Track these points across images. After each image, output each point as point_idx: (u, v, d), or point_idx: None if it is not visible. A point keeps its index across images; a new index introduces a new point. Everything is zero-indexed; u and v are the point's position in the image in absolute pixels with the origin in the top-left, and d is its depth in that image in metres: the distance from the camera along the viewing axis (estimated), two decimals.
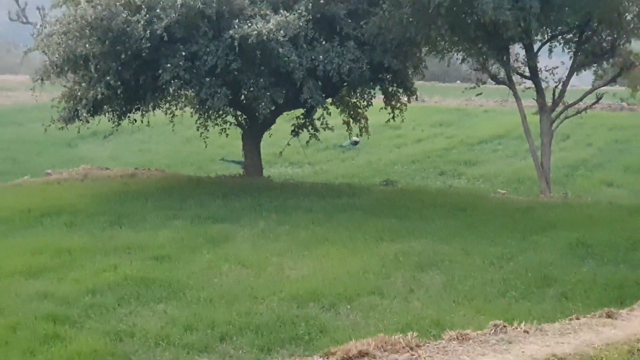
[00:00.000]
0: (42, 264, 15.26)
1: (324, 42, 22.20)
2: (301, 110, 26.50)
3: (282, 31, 20.69)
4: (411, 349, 8.45)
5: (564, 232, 17.42)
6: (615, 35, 23.18)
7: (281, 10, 21.68)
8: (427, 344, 8.79)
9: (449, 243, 16.83)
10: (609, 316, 9.50)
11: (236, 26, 20.95)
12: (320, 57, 21.88)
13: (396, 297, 13.54)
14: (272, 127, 26.93)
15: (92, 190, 23.21)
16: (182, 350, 11.23)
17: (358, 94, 26.16)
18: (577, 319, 9.33)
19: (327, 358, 8.47)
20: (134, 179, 25.77)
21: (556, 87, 23.61)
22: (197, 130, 26.84)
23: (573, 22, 22.44)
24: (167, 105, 25.68)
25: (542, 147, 23.28)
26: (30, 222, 19.19)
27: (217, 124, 26.54)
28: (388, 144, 37.42)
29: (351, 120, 27.59)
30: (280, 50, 21.00)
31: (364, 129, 27.31)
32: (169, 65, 21.10)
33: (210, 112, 24.97)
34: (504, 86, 23.98)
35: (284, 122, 27.90)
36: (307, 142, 28.09)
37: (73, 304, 13.09)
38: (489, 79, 24.51)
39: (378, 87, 25.30)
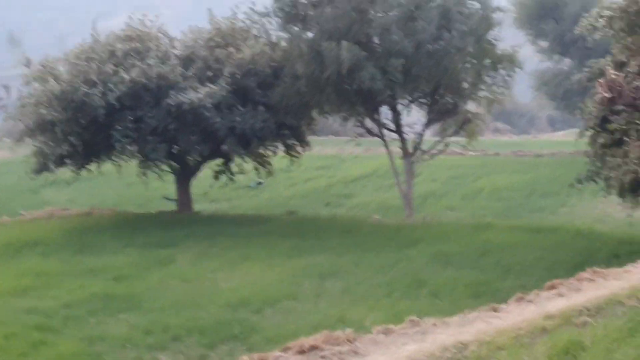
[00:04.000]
0: (26, 285, 14.63)
1: (240, 108, 21.93)
2: (222, 160, 25.99)
3: (208, 99, 20.37)
4: (350, 341, 8.25)
5: (428, 246, 17.56)
6: (456, 99, 23.48)
7: (207, 83, 21.36)
8: (361, 337, 8.61)
9: (343, 257, 16.79)
10: (494, 310, 9.45)
11: (172, 96, 20.56)
12: (238, 119, 21.62)
13: (307, 300, 13.37)
14: (200, 172, 26.36)
15: (59, 227, 22.31)
16: (144, 350, 10.95)
17: (266, 147, 25.76)
18: (470, 313, 9.24)
19: (286, 352, 8.17)
20: (90, 217, 24.87)
21: (414, 138, 23.79)
22: (138, 177, 25.99)
23: (426, 89, 22.64)
24: (116, 158, 24.81)
25: (407, 182, 23.42)
26: (11, 253, 18.32)
27: (154, 172, 25.84)
28: (285, 183, 37.05)
29: (259, 166, 27.08)
30: (207, 114, 20.72)
31: (268, 172, 26.86)
32: (119, 127, 20.54)
33: (150, 162, 24.33)
34: (376, 137, 24.03)
35: (207, 170, 27.33)
36: (226, 184, 27.62)
37: (54, 316, 12.59)
38: (366, 133, 24.49)
39: (280, 141, 24.91)
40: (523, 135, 60.06)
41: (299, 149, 26.20)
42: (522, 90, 46.44)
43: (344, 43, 19.62)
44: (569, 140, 51.81)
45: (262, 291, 13.96)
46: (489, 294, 12.99)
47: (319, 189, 35.53)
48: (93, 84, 20.43)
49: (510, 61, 23.18)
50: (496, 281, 14.29)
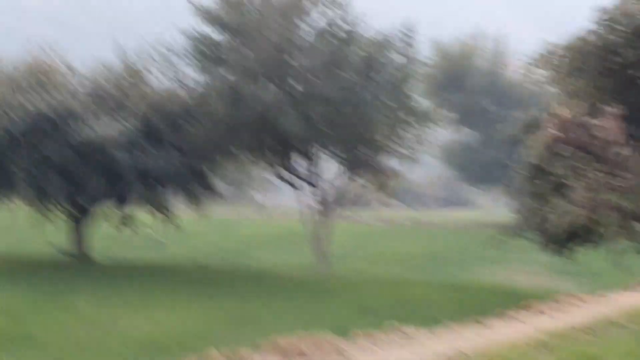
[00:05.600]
0: None
1: (151, 149, 21.13)
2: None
3: (120, 136, 19.55)
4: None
5: (346, 298, 17.11)
6: (370, 152, 23.37)
7: (116, 119, 20.52)
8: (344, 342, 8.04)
9: (255, 304, 16.12)
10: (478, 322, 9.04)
11: (80, 131, 19.63)
12: (149, 160, 20.81)
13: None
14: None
15: None
16: None
17: (172, 194, 24.58)
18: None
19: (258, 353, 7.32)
20: None
21: (329, 189, 23.51)
22: (29, 222, 24.45)
23: (344, 140, 22.44)
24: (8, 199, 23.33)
25: (321, 234, 22.96)
26: None
27: (48, 217, 24.35)
28: (182, 242, 35.90)
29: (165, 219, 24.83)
30: (117, 153, 19.86)
31: (176, 226, 25.03)
32: (20, 163, 19.45)
33: (47, 205, 23.06)
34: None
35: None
36: (117, 228, 26.15)
37: None
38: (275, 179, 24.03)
39: (189, 188, 23.93)
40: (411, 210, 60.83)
41: (206, 200, 25.27)
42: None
43: (266, 83, 19.30)
44: (463, 216, 53.42)
45: (171, 334, 13.12)
46: None
47: (220, 248, 34.70)
48: None
49: (425, 117, 23.41)
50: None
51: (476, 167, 45.84)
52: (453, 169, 51.33)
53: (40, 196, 21.39)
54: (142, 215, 24.56)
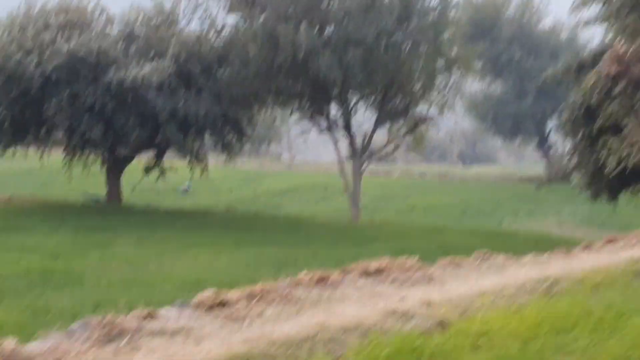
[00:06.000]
0: None
1: (183, 92, 20.88)
2: (154, 152, 24.76)
3: (152, 77, 19.22)
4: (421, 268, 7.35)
5: (386, 243, 16.79)
6: (407, 101, 23.07)
7: (149, 62, 20.22)
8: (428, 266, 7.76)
9: (296, 249, 15.88)
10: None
11: (113, 72, 19.33)
12: (181, 103, 20.54)
13: None
14: (130, 165, 24.99)
15: None
16: None
17: (204, 138, 24.42)
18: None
19: (346, 275, 7.02)
20: (11, 203, 23.27)
21: (364, 138, 23.21)
22: (63, 167, 24.42)
23: (379, 86, 22.08)
24: (41, 143, 23.19)
25: (354, 182, 22.75)
26: None
27: (81, 162, 24.41)
28: (208, 192, 35.80)
29: (194, 164, 25.29)
30: (149, 94, 19.58)
31: (203, 171, 25.28)
32: (53, 101, 19.13)
33: (79, 149, 23.04)
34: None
35: (136, 165, 25.95)
36: (156, 180, 26.36)
37: None
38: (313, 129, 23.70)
39: (221, 132, 23.75)
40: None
41: (237, 148, 25.13)
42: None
43: (302, 26, 18.86)
44: (488, 171, 52.99)
45: (216, 274, 12.93)
46: None
47: (245, 199, 34.64)
48: (28, 52, 18.98)
49: (465, 64, 22.95)
50: None
51: (506, 120, 45.01)
52: (481, 122, 50.36)
53: (76, 140, 21.28)
54: (172, 163, 24.51)
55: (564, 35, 43.60)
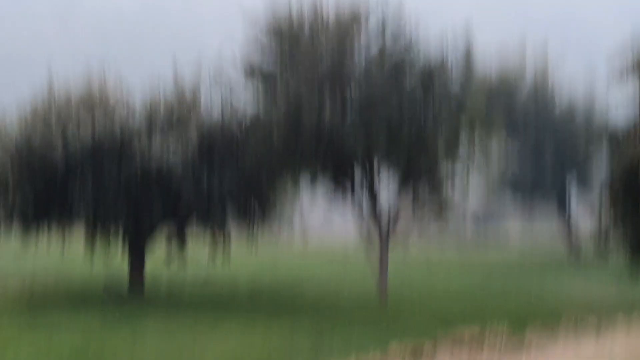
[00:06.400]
0: None
1: (206, 168, 20.73)
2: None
3: (180, 157, 19.13)
4: None
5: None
6: (431, 160, 22.57)
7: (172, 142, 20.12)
8: None
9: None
10: None
11: (137, 151, 19.29)
12: (204, 180, 20.42)
13: None
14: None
15: None
16: None
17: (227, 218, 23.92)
18: None
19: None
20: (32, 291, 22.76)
21: (389, 215, 22.73)
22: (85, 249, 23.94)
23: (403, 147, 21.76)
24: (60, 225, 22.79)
25: (381, 266, 22.07)
26: None
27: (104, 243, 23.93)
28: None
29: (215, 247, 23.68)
30: (175, 174, 19.52)
31: (225, 256, 24.09)
32: (78, 181, 19.06)
33: (98, 231, 22.78)
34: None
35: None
36: (177, 270, 25.73)
37: None
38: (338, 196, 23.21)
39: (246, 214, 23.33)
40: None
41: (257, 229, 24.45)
42: None
43: (325, 98, 18.88)
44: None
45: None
46: None
47: (264, 285, 33.92)
48: (52, 133, 18.89)
49: (487, 125, 22.79)
50: None
51: (525, 179, 44.52)
52: (498, 181, 49.73)
53: (100, 223, 21.03)
54: (193, 247, 24.23)
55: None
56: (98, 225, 22.01)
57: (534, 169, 42.89)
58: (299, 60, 20.24)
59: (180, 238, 23.78)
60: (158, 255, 24.73)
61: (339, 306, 20.04)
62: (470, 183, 24.25)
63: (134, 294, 22.67)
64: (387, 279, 22.21)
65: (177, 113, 21.38)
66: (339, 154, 21.14)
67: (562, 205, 44.55)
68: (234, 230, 23.96)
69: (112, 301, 22.16)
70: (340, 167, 21.79)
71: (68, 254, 26.38)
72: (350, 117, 19.47)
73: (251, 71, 21.23)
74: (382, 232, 22.25)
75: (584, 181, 43.38)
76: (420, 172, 22.52)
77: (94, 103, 20.41)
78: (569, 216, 44.52)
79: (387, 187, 23.71)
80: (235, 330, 15.41)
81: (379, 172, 22.54)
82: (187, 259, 24.06)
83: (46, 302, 20.65)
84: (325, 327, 15.46)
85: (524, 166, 43.08)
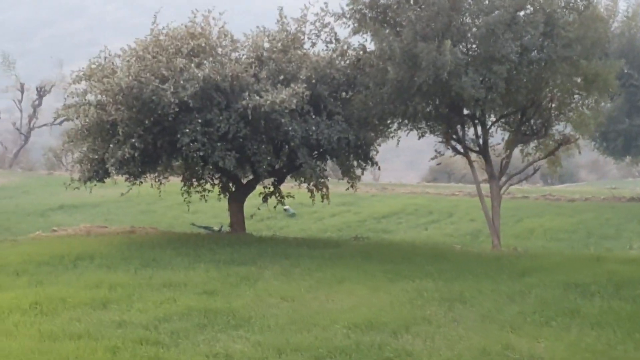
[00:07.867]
0: (103, 297, 12.74)
1: (314, 116, 20.25)
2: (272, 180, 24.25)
3: (290, 103, 18.56)
4: None
5: (548, 276, 15.54)
6: (545, 119, 21.90)
7: (279, 86, 19.61)
8: None
9: (454, 283, 14.83)
10: None
11: (247, 98, 18.77)
12: (313, 127, 19.89)
13: (444, 326, 11.45)
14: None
15: (107, 242, 20.44)
16: None
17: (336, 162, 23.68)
18: None
19: None
20: (135, 234, 22.99)
21: (502, 160, 22.14)
22: (182, 196, 24.15)
23: (521, 104, 21.00)
24: (165, 172, 22.90)
25: (493, 208, 21.59)
26: (67, 265, 16.51)
27: (197, 191, 24.17)
28: (311, 217, 35.07)
29: (314, 189, 23.55)
30: (283, 120, 18.94)
31: (325, 197, 24.58)
32: (187, 130, 18.67)
33: (195, 179, 22.97)
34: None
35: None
36: (275, 207, 25.94)
37: (154, 329, 10.63)
38: (447, 151, 22.65)
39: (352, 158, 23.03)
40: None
41: (358, 171, 24.27)
42: None
43: (447, 44, 17.85)
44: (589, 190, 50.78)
45: (384, 314, 12.03)
46: None
47: (351, 223, 33.88)
48: (164, 80, 18.57)
49: (604, 82, 21.53)
50: None
51: (616, 137, 42.91)
52: (591, 140, 48.27)
53: (208, 170, 20.91)
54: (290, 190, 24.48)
55: None
56: (194, 176, 22.03)
57: (627, 128, 41.30)
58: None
59: (277, 191, 23.85)
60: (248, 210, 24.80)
61: (451, 256, 19.34)
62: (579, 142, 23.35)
63: (236, 236, 22.58)
64: (499, 231, 21.71)
65: (284, 59, 20.89)
66: (451, 109, 20.43)
67: None
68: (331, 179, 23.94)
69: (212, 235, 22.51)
70: (452, 123, 21.10)
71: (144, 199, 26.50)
72: (470, 70, 18.46)
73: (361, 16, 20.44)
74: (493, 184, 21.64)
75: None
76: (533, 133, 21.87)
77: (199, 49, 20.04)
78: None
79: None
80: (353, 279, 14.93)
81: (492, 131, 21.90)
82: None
83: (152, 242, 20.68)
84: (436, 281, 14.90)
85: (615, 126, 41.49)
